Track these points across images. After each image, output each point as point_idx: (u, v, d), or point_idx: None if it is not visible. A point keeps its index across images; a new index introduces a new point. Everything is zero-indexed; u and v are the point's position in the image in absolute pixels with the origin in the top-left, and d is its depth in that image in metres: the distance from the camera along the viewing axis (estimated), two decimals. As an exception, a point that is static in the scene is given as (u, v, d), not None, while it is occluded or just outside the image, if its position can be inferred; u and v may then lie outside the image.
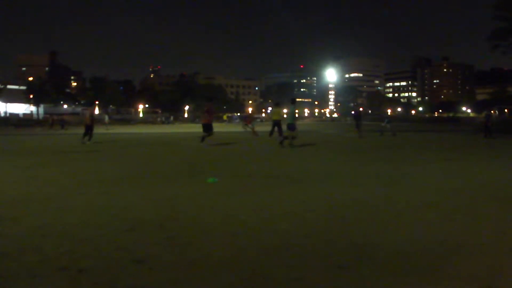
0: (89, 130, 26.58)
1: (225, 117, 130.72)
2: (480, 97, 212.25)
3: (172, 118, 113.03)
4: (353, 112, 37.60)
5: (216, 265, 4.85)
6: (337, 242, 5.61)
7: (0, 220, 7.00)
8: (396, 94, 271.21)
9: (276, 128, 26.72)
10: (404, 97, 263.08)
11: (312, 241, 5.66)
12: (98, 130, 34.27)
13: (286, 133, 22.00)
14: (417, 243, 5.57)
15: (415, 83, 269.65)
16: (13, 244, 5.66)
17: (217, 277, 4.51)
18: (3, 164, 15.34)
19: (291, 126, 21.22)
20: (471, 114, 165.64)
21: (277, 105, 22.47)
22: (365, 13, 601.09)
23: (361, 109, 42.72)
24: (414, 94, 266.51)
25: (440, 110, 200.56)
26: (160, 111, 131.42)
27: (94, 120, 27.40)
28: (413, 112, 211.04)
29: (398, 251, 5.26)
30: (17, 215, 7.33)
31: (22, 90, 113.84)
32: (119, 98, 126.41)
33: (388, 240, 5.67)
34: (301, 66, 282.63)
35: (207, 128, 22.19)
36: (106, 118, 68.96)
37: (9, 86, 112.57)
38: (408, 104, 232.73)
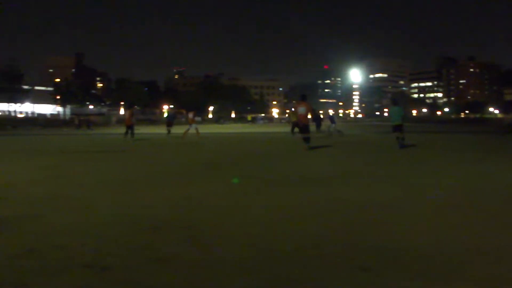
0: (129, 129, 29.19)
1: (249, 118, 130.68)
2: (508, 97, 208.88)
3: (196, 119, 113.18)
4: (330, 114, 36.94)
5: (238, 265, 4.83)
6: (360, 244, 5.53)
7: (26, 218, 7.11)
8: (422, 95, 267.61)
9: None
10: (429, 97, 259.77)
11: (335, 243, 5.60)
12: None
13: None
14: (442, 246, 5.46)
15: (441, 83, 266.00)
16: (38, 242, 5.71)
17: (239, 278, 4.50)
18: (29, 163, 15.50)
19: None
20: (499, 115, 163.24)
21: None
22: (390, 13, 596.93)
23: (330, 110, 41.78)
24: (439, 95, 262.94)
25: (467, 111, 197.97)
26: (184, 112, 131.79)
27: (133, 119, 29.71)
28: (438, 113, 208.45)
29: (422, 254, 5.18)
30: (43, 213, 7.42)
31: (49, 91, 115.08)
32: (144, 99, 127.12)
33: (412, 243, 5.59)
34: (325, 67, 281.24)
35: (305, 130, 20.42)
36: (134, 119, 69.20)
37: (36, 88, 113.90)
38: (434, 105, 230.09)
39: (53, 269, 4.72)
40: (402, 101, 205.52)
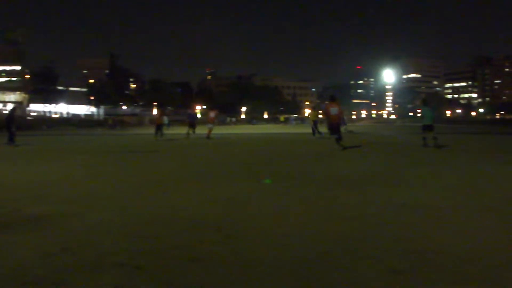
0: (159, 129, 30.48)
1: (282, 119, 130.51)
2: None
3: (228, 119, 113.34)
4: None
5: (272, 266, 4.80)
6: (393, 246, 5.45)
7: (63, 216, 7.21)
8: (456, 95, 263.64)
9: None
10: (463, 98, 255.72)
11: (368, 244, 5.54)
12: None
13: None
14: (478, 249, 5.33)
15: (475, 84, 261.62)
16: (74, 239, 5.80)
17: (272, 279, 4.47)
18: (65, 163, 15.79)
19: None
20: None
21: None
22: (424, 12, 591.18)
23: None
24: (474, 95, 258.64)
25: (502, 112, 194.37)
26: (217, 112, 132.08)
27: (163, 118, 30.16)
28: (473, 113, 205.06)
29: (457, 257, 5.05)
30: (79, 211, 7.53)
31: (83, 92, 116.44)
32: (177, 100, 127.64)
33: (446, 246, 5.46)
34: (358, 67, 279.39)
35: (335, 130, 20.51)
36: (165, 119, 69.53)
37: (71, 88, 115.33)
38: (468, 105, 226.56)
39: (87, 267, 4.77)
40: (436, 101, 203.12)
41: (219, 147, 23.90)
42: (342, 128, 33.59)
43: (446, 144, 22.08)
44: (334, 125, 20.31)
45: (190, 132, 32.40)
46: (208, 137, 31.18)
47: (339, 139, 19.97)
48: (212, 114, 34.41)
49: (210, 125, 32.42)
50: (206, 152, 20.71)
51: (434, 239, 5.74)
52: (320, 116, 33.71)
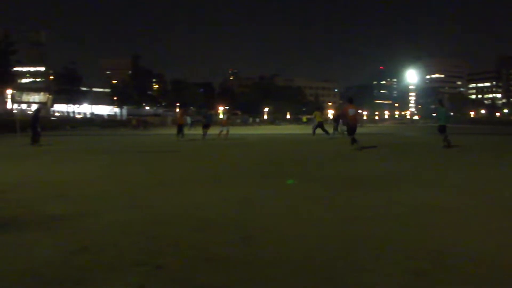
0: (180, 129, 30.56)
1: (304, 119, 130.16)
2: None
3: (251, 119, 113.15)
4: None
5: (289, 267, 4.78)
6: (414, 248, 5.40)
7: (82, 215, 7.27)
8: (480, 96, 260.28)
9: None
10: (488, 98, 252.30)
11: (387, 246, 5.49)
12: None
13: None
14: (499, 251, 5.26)
15: (500, 84, 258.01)
16: (93, 239, 5.84)
17: (290, 279, 4.44)
18: (88, 162, 16.10)
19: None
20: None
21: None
22: (447, 11, 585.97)
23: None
24: (498, 95, 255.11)
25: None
26: (239, 113, 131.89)
27: (185, 118, 29.63)
28: (497, 114, 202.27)
29: (478, 259, 4.97)
30: (98, 211, 7.60)
31: (106, 92, 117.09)
32: (199, 100, 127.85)
33: (468, 248, 5.39)
34: (381, 68, 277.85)
35: (353, 131, 21.08)
36: (188, 119, 69.43)
37: (94, 89, 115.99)
38: (493, 106, 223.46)
39: (107, 267, 4.79)
40: (460, 102, 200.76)
41: (239, 148, 24.00)
42: (340, 128, 34.11)
43: (464, 144, 22.36)
44: (353, 126, 20.92)
45: (203, 133, 32.02)
46: (223, 137, 30.88)
47: (354, 141, 20.63)
48: (224, 116, 34.07)
49: (224, 128, 31.94)
50: (226, 153, 20.80)
51: (454, 240, 5.68)
52: (330, 116, 34.82)
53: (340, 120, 33.04)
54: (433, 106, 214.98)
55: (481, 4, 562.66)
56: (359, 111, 20.88)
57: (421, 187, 9.90)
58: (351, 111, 20.94)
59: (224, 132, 31.56)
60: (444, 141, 21.12)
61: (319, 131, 32.76)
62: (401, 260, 4.94)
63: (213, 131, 33.34)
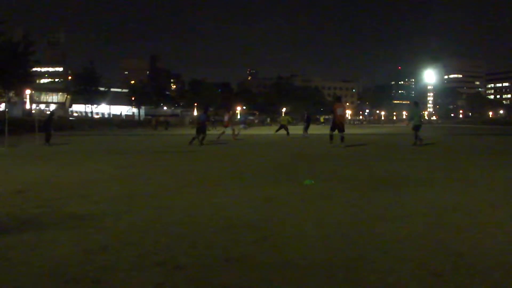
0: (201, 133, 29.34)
1: (322, 120, 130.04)
2: None
3: (268, 120, 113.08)
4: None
5: (310, 267, 4.75)
6: (435, 249, 5.32)
7: (101, 215, 7.29)
8: (498, 96, 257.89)
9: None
10: (506, 98, 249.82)
11: (409, 246, 5.43)
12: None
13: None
14: None
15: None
16: (114, 238, 5.85)
17: (310, 280, 4.41)
18: (108, 162, 16.13)
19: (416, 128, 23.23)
20: None
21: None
22: (465, 11, 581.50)
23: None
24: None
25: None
26: (257, 113, 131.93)
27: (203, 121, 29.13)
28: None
29: (501, 262, 4.89)
30: (119, 211, 7.63)
31: (124, 93, 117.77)
32: (217, 100, 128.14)
33: (490, 250, 5.30)
34: (399, 68, 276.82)
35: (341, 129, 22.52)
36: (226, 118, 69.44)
37: (113, 89, 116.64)
38: (511, 106, 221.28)
39: (126, 266, 4.79)
40: (478, 102, 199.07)
41: (258, 148, 24.00)
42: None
43: (484, 145, 22.24)
44: (340, 125, 22.34)
45: (220, 132, 31.31)
46: (234, 138, 30.57)
47: (331, 138, 22.56)
48: (226, 117, 32.89)
49: (229, 128, 31.52)
50: (245, 153, 20.85)
51: (475, 242, 5.61)
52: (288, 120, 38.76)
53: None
54: (451, 107, 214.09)
55: (500, 3, 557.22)
56: (346, 110, 22.26)
57: (441, 187, 9.82)
58: (339, 111, 22.45)
59: (230, 132, 31.29)
60: (416, 139, 22.92)
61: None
62: (422, 262, 4.87)
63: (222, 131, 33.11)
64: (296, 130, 40.91)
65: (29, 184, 10.61)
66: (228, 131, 31.44)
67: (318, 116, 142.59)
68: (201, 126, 26.48)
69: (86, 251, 5.30)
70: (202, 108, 36.31)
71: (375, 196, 8.82)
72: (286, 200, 8.52)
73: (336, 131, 22.65)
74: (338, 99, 25.00)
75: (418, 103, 26.32)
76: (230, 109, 37.08)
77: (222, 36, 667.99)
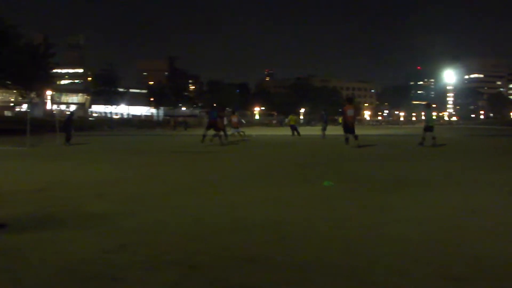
0: (220, 131, 28.68)
1: (340, 120, 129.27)
2: None
3: (286, 120, 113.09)
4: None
5: (327, 269, 4.72)
6: (455, 252, 5.26)
7: (119, 214, 7.34)
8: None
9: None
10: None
11: (427, 249, 5.37)
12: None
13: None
14: None
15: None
16: (129, 238, 5.87)
17: (326, 282, 4.38)
18: (126, 162, 16.28)
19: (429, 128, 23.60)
20: None
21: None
22: (486, 10, 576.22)
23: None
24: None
25: None
26: (275, 114, 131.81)
27: (221, 121, 28.68)
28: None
29: None
30: (135, 210, 7.67)
31: (143, 93, 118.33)
32: (235, 101, 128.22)
33: (510, 254, 5.22)
34: (418, 68, 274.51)
35: (351, 130, 22.72)
36: (225, 120, 69.66)
37: (132, 90, 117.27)
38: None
39: (142, 265, 4.81)
40: (500, 102, 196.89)
41: (275, 149, 24.07)
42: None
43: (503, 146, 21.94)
44: (350, 126, 22.65)
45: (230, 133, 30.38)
46: (239, 138, 30.45)
47: (346, 140, 22.74)
48: (234, 118, 32.74)
49: (234, 130, 31.53)
50: (261, 154, 20.94)
51: (494, 245, 5.52)
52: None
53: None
54: (472, 107, 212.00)
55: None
56: (358, 111, 23.11)
57: (460, 189, 9.75)
58: (349, 112, 22.92)
59: (235, 134, 31.23)
60: (424, 139, 23.09)
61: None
62: (439, 265, 4.83)
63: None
64: (308, 131, 40.85)
65: (48, 183, 10.69)
66: (235, 132, 31.52)
67: (336, 117, 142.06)
68: (213, 124, 26.01)
69: (103, 249, 5.33)
70: (210, 107, 36.27)
71: (393, 197, 8.76)
72: (304, 201, 8.49)
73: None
74: (349, 100, 25.71)
75: (430, 104, 27.05)
76: (235, 111, 36.24)
77: (240, 37, 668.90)
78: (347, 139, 22.71)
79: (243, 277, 4.45)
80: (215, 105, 34.26)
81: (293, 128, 37.57)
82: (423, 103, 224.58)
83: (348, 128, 22.71)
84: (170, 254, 5.18)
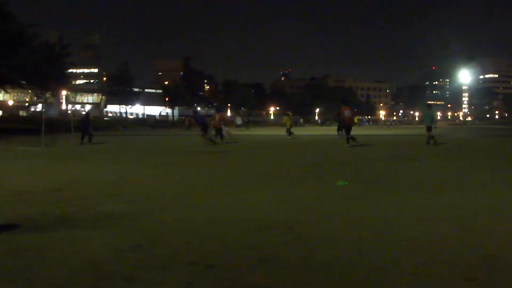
0: (218, 131, 28.93)
1: (355, 120, 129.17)
2: None
3: (301, 120, 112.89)
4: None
5: (342, 269, 4.72)
6: (467, 253, 5.23)
7: (135, 214, 7.37)
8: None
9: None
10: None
11: (440, 250, 5.34)
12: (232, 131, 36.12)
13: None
14: None
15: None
16: (146, 237, 5.90)
17: (342, 282, 4.39)
18: (141, 162, 16.38)
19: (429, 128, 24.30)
20: None
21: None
22: (501, 9, 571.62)
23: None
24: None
25: None
26: (290, 114, 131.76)
27: (223, 122, 29.02)
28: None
29: None
30: (152, 210, 7.71)
31: (158, 93, 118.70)
32: (250, 101, 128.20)
33: None
34: (433, 68, 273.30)
35: (350, 130, 23.25)
36: (239, 120, 69.61)
37: (147, 90, 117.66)
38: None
39: (158, 265, 4.84)
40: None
41: (291, 149, 23.89)
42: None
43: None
44: (348, 126, 23.37)
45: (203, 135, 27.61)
46: (215, 140, 27.59)
47: (353, 139, 22.97)
48: (217, 116, 29.90)
49: (222, 129, 29.53)
50: (278, 153, 20.91)
51: (509, 245, 5.51)
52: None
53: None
54: (487, 107, 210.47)
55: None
56: (354, 111, 23.88)
57: (474, 190, 9.69)
58: (346, 113, 23.62)
59: (225, 134, 29.82)
60: (430, 138, 23.82)
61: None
62: (455, 265, 4.81)
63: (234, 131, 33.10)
64: (323, 131, 40.71)
65: (64, 183, 10.76)
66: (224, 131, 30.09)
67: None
68: (205, 126, 26.77)
69: (118, 249, 5.37)
70: (193, 111, 35.73)
71: (407, 197, 8.74)
72: (318, 201, 8.49)
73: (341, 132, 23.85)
74: (344, 101, 26.86)
75: (431, 105, 28.51)
76: (222, 110, 34.66)
77: (255, 37, 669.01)
78: (348, 140, 23.02)
79: (258, 277, 4.47)
80: (198, 107, 33.51)
81: (287, 130, 35.76)
82: (438, 103, 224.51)
83: (347, 129, 23.33)
84: (185, 254, 5.19)
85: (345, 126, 23.66)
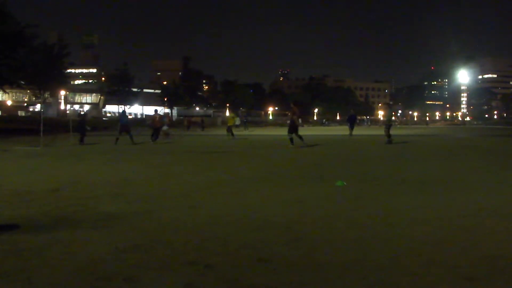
0: (229, 130, 31.09)
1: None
2: None
3: (300, 120, 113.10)
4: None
5: (341, 269, 4.71)
6: (468, 253, 5.23)
7: (134, 214, 7.38)
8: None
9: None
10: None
11: (441, 250, 5.34)
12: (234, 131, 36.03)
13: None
14: None
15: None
16: (145, 237, 5.92)
17: (342, 282, 4.38)
18: (141, 162, 16.36)
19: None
20: None
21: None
22: (499, 9, 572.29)
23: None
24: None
25: None
26: (289, 114, 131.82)
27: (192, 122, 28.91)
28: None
29: None
30: (151, 210, 7.70)
31: (157, 93, 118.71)
32: (249, 101, 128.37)
33: None
34: (432, 68, 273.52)
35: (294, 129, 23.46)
36: (238, 120, 69.50)
37: (145, 90, 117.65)
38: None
39: (158, 265, 4.85)
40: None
41: (286, 149, 23.72)
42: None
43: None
44: (296, 127, 23.60)
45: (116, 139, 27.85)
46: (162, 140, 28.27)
47: (292, 140, 23.06)
48: (156, 116, 30.14)
49: (165, 128, 30.01)
50: (279, 153, 20.89)
51: (509, 245, 5.54)
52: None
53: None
54: (485, 107, 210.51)
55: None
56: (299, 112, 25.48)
57: (480, 190, 9.66)
58: (296, 114, 24.51)
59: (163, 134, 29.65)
60: (387, 136, 25.14)
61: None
62: (454, 265, 4.81)
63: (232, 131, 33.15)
64: (332, 131, 40.71)
65: (64, 183, 10.76)
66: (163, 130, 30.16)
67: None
68: (126, 128, 27.87)
69: (118, 249, 5.36)
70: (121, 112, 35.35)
71: (407, 198, 8.73)
72: (318, 201, 8.47)
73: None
74: (296, 103, 29.03)
75: (391, 104, 33.24)
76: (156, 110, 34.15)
77: (254, 37, 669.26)
78: (291, 140, 22.99)
79: (258, 278, 4.45)
80: (124, 109, 33.38)
81: (228, 130, 34.53)
82: (439, 103, 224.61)
83: (295, 128, 23.36)
84: (185, 254, 5.19)
85: (294, 127, 23.63)
